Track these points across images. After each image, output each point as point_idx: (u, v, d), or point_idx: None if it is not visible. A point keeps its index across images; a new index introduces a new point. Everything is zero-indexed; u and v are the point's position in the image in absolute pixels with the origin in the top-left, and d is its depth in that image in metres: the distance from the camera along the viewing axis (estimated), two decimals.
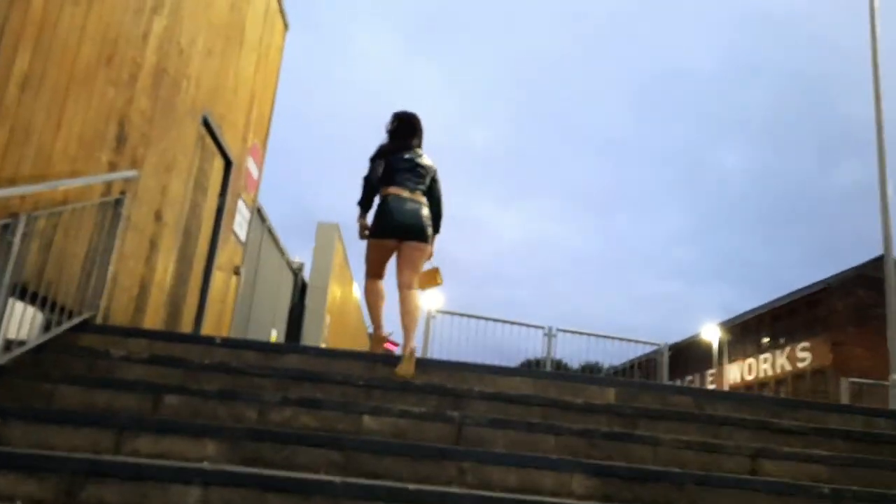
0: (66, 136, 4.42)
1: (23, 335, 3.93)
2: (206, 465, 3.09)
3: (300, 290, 15.87)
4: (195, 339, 4.66)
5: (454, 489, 3.08)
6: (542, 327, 10.19)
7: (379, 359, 4.47)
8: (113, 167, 5.01)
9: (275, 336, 13.32)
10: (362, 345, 21.80)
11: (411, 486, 2.93)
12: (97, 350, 4.04)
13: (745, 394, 8.04)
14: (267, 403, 3.64)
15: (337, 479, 2.92)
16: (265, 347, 4.45)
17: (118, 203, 4.63)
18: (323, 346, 15.77)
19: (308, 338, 15.32)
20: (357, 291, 21.37)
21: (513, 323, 10.06)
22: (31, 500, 2.70)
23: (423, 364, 4.50)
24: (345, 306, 19.69)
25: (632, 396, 4.45)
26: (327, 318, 16.59)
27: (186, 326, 7.01)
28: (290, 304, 15.47)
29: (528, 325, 10.20)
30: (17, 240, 3.47)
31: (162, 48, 5.76)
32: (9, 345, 3.78)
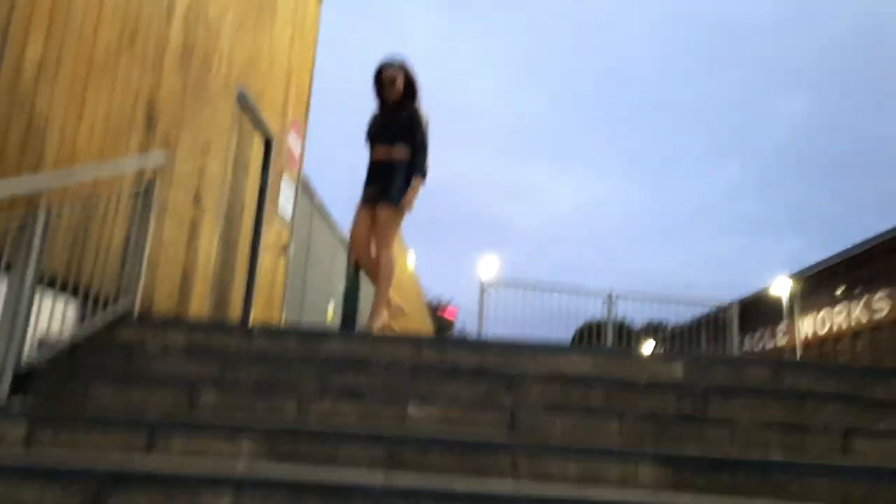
0: (90, 123, 4.25)
1: (58, 333, 3.81)
2: (240, 466, 2.90)
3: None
4: (235, 328, 4.49)
5: (507, 487, 2.81)
6: (602, 294, 9.79)
7: (425, 342, 4.21)
8: (144, 152, 4.84)
9: (331, 311, 13.26)
10: (422, 317, 21.71)
11: (459, 488, 2.66)
12: (133, 344, 3.90)
13: (829, 363, 7.53)
14: (306, 395, 3.43)
15: (377, 481, 2.68)
16: (307, 334, 4.24)
17: (148, 189, 4.45)
18: None
19: (366, 312, 15.22)
20: (412, 262, 21.21)
21: (570, 293, 9.68)
22: None
23: (474, 345, 4.23)
24: (401, 277, 19.56)
25: (702, 371, 4.08)
26: None
27: (235, 311, 6.90)
28: (346, 278, 15.39)
29: (587, 294, 9.81)
30: (37, 236, 3.30)
31: (189, 24, 5.54)
32: (42, 343, 3.66)
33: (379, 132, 5.21)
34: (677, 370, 4.09)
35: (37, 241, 3.30)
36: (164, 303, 5.27)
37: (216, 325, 4.68)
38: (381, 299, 4.99)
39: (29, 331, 3.57)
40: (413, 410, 3.42)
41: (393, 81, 5.12)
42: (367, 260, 5.21)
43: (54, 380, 3.44)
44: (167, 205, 5.27)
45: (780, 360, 8.26)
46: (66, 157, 4.01)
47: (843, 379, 3.99)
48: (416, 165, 5.06)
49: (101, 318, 4.03)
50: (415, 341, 4.19)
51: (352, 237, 5.27)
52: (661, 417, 3.43)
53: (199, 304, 5.93)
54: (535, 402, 3.47)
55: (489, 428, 3.35)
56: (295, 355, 3.95)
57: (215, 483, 2.60)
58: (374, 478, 2.76)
